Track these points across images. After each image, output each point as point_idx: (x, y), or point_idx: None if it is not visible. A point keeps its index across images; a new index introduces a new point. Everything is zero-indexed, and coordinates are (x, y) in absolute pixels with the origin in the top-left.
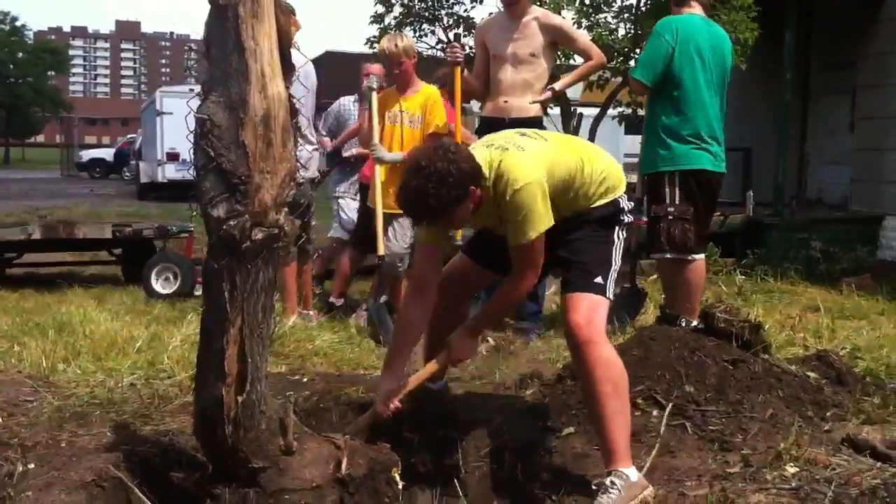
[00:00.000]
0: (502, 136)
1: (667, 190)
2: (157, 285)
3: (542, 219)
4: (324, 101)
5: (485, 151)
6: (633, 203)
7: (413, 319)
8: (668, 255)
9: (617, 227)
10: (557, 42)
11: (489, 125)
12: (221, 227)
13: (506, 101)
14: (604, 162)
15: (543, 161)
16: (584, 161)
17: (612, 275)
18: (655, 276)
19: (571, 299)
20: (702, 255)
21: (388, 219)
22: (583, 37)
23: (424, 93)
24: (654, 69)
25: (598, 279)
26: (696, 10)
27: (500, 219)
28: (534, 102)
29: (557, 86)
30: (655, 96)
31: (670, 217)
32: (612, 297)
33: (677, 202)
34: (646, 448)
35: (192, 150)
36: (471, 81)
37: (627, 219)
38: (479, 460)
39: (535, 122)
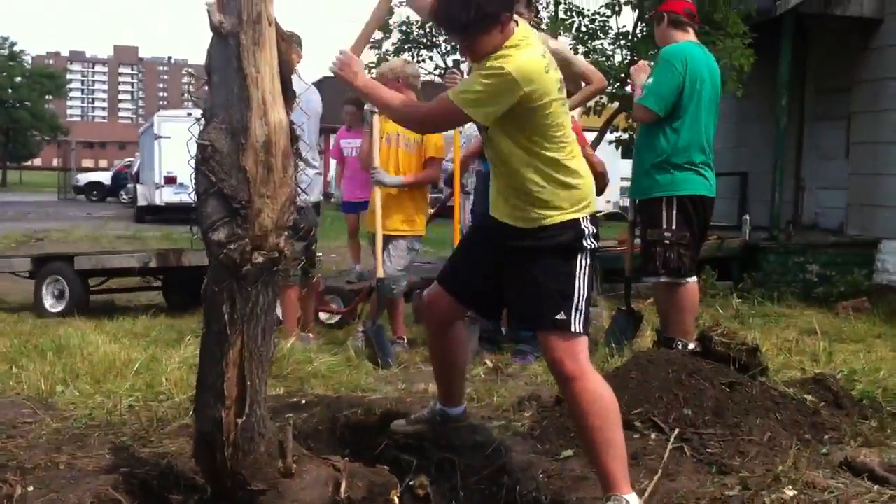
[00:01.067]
0: (544, 40)
1: (664, 214)
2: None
3: (484, 106)
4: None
5: (526, 29)
6: (594, 227)
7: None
8: (663, 280)
9: (579, 255)
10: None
11: None
12: (222, 250)
13: None
14: (582, 170)
15: (535, 79)
16: (572, 144)
17: (578, 306)
18: (651, 300)
19: (543, 339)
20: (694, 278)
21: (385, 241)
22: (582, 61)
23: None
24: (667, 99)
25: (560, 315)
26: (691, 35)
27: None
28: None
29: None
30: (655, 123)
31: (666, 242)
32: (580, 329)
33: (674, 227)
34: (644, 471)
35: (192, 175)
36: None
37: (591, 244)
38: (477, 483)
39: None
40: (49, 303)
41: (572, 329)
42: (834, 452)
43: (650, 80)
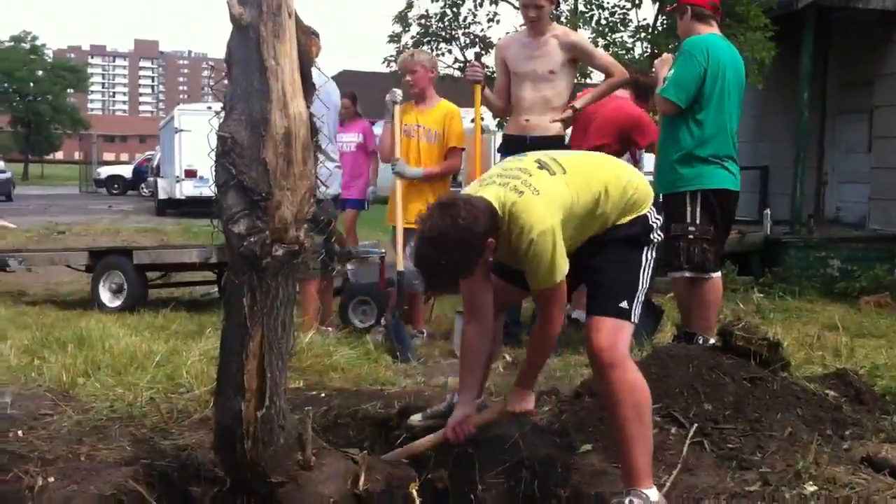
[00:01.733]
0: (518, 170)
1: (688, 209)
2: (356, 320)
3: (561, 265)
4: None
5: (499, 191)
6: (661, 218)
7: (474, 346)
8: (687, 274)
9: (645, 248)
10: (577, 59)
11: (511, 143)
12: (242, 243)
13: (527, 120)
14: (630, 180)
15: (559, 202)
16: (608, 187)
17: (639, 297)
18: (671, 295)
19: (595, 322)
20: (718, 273)
21: (407, 234)
22: (602, 53)
23: (443, 108)
24: (688, 90)
25: (623, 304)
26: (714, 28)
27: (516, 259)
28: (554, 121)
29: (578, 104)
30: (678, 115)
31: (690, 236)
32: (636, 320)
33: (698, 222)
34: (664, 466)
35: (213, 168)
36: (492, 100)
37: (657, 237)
38: (496, 477)
39: (556, 142)
40: (106, 297)
41: (631, 319)
42: (855, 448)
43: (672, 72)
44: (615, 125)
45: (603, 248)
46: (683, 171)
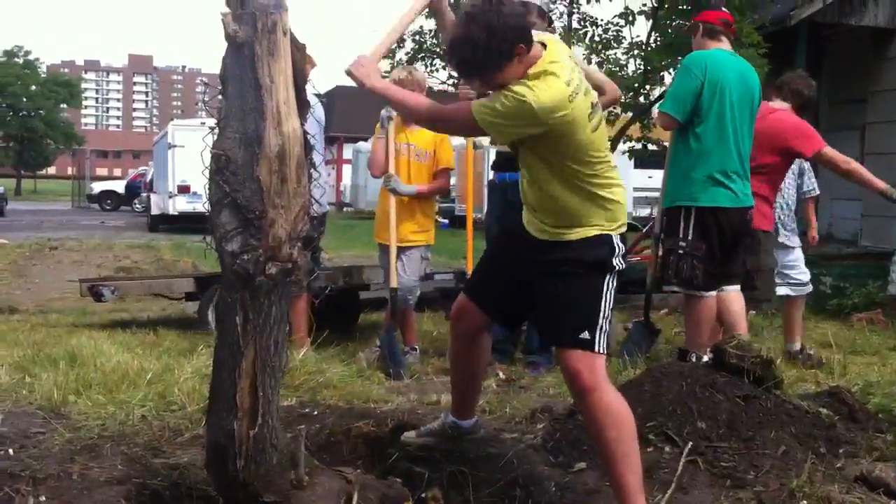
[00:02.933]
0: (577, 63)
1: (681, 224)
2: None
3: (501, 128)
4: (334, 133)
5: (554, 52)
6: (624, 249)
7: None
8: (675, 289)
9: (607, 276)
10: None
11: (504, 160)
12: (235, 261)
13: None
14: (617, 192)
15: (565, 105)
16: (606, 164)
17: (603, 326)
18: (665, 311)
19: (562, 353)
20: (712, 293)
21: (399, 251)
22: (595, 71)
23: None
24: (685, 104)
25: (584, 335)
26: (725, 45)
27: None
28: None
29: None
30: (680, 130)
31: (680, 251)
32: (602, 350)
33: (690, 238)
34: (658, 484)
35: (206, 185)
36: None
37: (619, 264)
38: (489, 496)
39: None
40: (214, 321)
41: (595, 349)
42: (849, 466)
43: (670, 87)
44: (777, 136)
45: (562, 278)
46: (680, 186)
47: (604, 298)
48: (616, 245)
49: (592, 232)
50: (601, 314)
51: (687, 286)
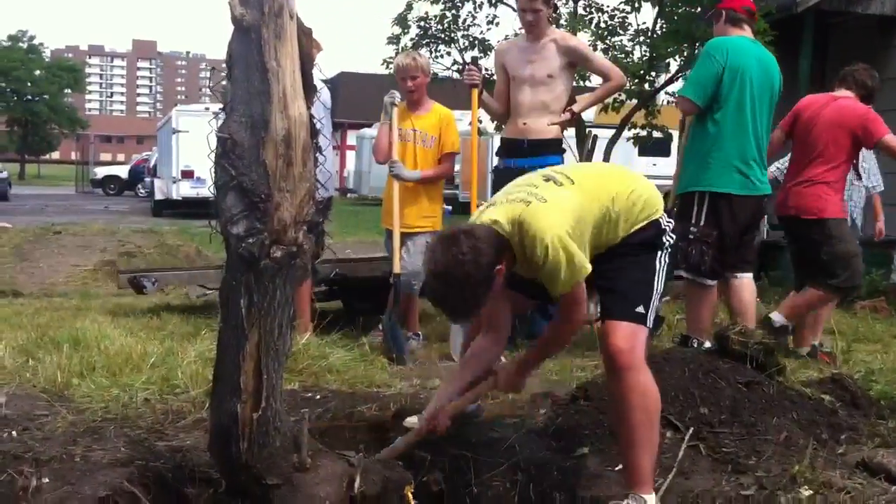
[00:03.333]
0: (525, 184)
1: (694, 209)
2: None
3: (578, 269)
4: (338, 120)
5: (506, 208)
6: (672, 222)
7: (482, 354)
8: (683, 275)
9: (659, 252)
10: (575, 63)
11: (509, 147)
12: (241, 244)
13: (524, 124)
14: (637, 189)
15: (568, 206)
16: (614, 199)
17: (654, 303)
18: (668, 298)
19: (611, 326)
20: (713, 282)
21: (403, 237)
22: (600, 58)
23: (437, 113)
24: (705, 89)
25: (640, 308)
26: (747, 32)
27: (534, 269)
28: (552, 124)
29: (576, 107)
30: (699, 116)
31: (690, 237)
32: (651, 325)
33: (702, 223)
34: (659, 469)
35: (212, 169)
36: (490, 104)
37: (670, 241)
38: (491, 480)
39: (553, 144)
40: None
41: (646, 323)
42: (851, 453)
43: (691, 72)
44: (845, 122)
45: (617, 253)
46: (696, 171)
47: (656, 274)
48: (662, 225)
49: (638, 227)
50: (654, 289)
51: (694, 272)
